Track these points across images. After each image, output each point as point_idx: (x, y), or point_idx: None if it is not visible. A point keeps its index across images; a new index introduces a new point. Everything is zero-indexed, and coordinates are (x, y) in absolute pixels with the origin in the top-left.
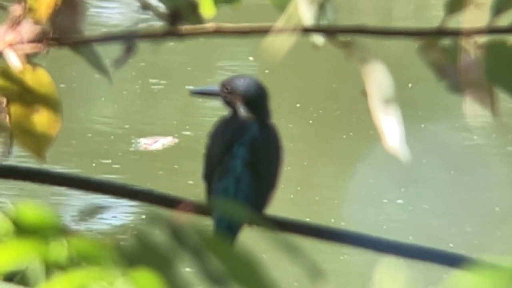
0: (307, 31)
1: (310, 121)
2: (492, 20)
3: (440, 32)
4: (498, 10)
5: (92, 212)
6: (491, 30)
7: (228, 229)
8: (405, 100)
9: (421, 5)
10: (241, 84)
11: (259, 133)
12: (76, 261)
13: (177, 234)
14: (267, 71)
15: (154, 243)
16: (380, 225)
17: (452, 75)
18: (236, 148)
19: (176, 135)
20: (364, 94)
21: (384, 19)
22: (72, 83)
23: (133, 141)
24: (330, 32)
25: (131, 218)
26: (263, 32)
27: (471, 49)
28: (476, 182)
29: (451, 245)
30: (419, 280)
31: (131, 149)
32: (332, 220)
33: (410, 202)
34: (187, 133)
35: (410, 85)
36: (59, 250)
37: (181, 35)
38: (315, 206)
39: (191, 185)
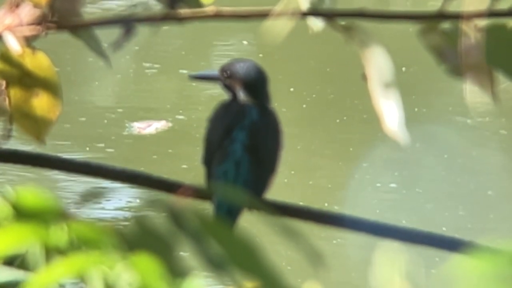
0: (306, 15)
1: (304, 105)
2: (492, 3)
3: (440, 16)
4: None
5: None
6: (491, 14)
7: (228, 213)
8: (398, 84)
9: None
10: (240, 69)
11: (258, 117)
12: (76, 246)
13: (176, 218)
14: (261, 55)
15: (154, 228)
16: (373, 209)
17: (452, 58)
18: (236, 132)
19: (170, 119)
20: (363, 77)
21: (380, 3)
22: (66, 66)
23: (126, 125)
24: (329, 16)
25: (130, 203)
26: (263, 16)
27: (471, 32)
28: (469, 166)
29: (444, 228)
30: (419, 265)
31: (125, 133)
32: (326, 204)
33: (404, 186)
34: (181, 117)
35: (404, 69)
36: (59, 234)
37: (180, 19)
38: (309, 190)
39: (185, 169)
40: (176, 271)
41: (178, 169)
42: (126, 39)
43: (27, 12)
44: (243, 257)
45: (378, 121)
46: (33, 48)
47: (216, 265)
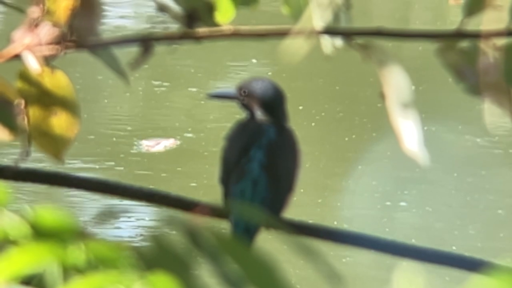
0: (324, 33)
1: (313, 124)
2: (511, 22)
3: (459, 34)
4: None
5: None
6: (510, 33)
7: (245, 232)
8: None
9: (437, 8)
10: (258, 87)
11: (276, 136)
12: (93, 265)
13: (194, 237)
14: (270, 73)
15: (172, 246)
16: (383, 228)
17: (470, 77)
18: (253, 151)
19: (178, 137)
20: (381, 96)
21: (400, 22)
22: (76, 84)
23: (135, 143)
24: (347, 34)
25: (147, 221)
26: (281, 35)
27: (490, 51)
28: (479, 185)
29: (454, 247)
30: (437, 285)
31: (133, 151)
32: (335, 223)
33: (413, 205)
34: (189, 135)
35: (413, 87)
36: (77, 253)
37: (198, 38)
38: (318, 208)
39: (194, 187)
40: None
41: (187, 187)
42: (144, 58)
43: (46, 32)
44: (260, 276)
45: (387, 139)
46: (52, 67)
47: (233, 284)
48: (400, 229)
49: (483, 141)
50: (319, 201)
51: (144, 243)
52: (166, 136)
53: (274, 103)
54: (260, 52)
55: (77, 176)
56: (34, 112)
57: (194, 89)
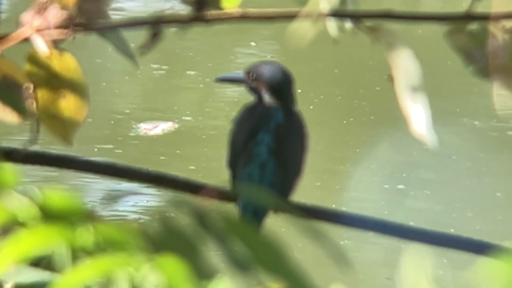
0: (333, 16)
1: (311, 107)
2: None
3: (468, 17)
4: None
5: (116, 197)
6: None
7: (254, 215)
8: None
9: None
10: (266, 71)
11: (283, 120)
12: (102, 247)
13: (202, 219)
14: (268, 56)
15: (180, 229)
16: (381, 211)
17: (479, 60)
18: (261, 134)
19: (177, 120)
20: (390, 79)
21: (409, 4)
22: None
23: (133, 126)
24: (356, 17)
25: (156, 204)
26: (289, 17)
27: (499, 33)
28: (478, 168)
29: (452, 230)
30: (447, 268)
31: (131, 134)
32: (333, 206)
33: (412, 188)
34: (188, 118)
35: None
36: (85, 235)
37: (207, 21)
38: (317, 191)
39: (193, 170)
40: (202, 273)
41: (186, 170)
42: (154, 41)
43: (54, 15)
44: (269, 258)
45: (386, 122)
46: (61, 50)
47: (241, 267)
48: (398, 212)
49: (481, 124)
50: (318, 184)
51: (151, 224)
52: (165, 119)
53: (282, 86)
54: (260, 36)
55: (86, 160)
56: (43, 95)
57: (192, 73)
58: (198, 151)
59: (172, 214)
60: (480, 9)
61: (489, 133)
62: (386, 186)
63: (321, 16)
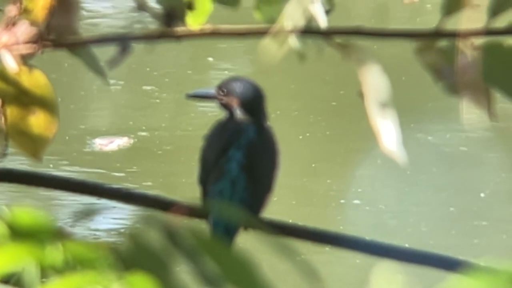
0: (303, 32)
1: (268, 122)
2: (488, 21)
3: (437, 34)
4: (494, 11)
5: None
6: (488, 32)
7: (225, 231)
8: (363, 103)
9: (416, 9)
10: (237, 87)
11: (255, 136)
12: (71, 265)
13: (172, 236)
14: (226, 72)
15: (150, 246)
16: (337, 225)
17: (449, 76)
18: (232, 151)
19: (132, 135)
20: (360, 95)
21: (379, 22)
22: None
23: (88, 142)
24: (326, 34)
25: (125, 221)
26: (260, 34)
27: (468, 50)
28: (432, 182)
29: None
30: (416, 285)
31: (86, 149)
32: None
33: (367, 202)
34: (143, 133)
35: None
36: (55, 253)
37: (177, 37)
38: (273, 206)
39: (149, 186)
40: None
41: (142, 186)
42: (122, 56)
43: (23, 30)
44: (239, 275)
45: (342, 138)
46: (30, 66)
47: (212, 283)
48: (354, 227)
49: (435, 138)
50: (275, 199)
51: (121, 242)
52: (120, 134)
53: (253, 102)
54: (217, 51)
55: (55, 176)
56: (12, 111)
57: (148, 88)
58: (155, 167)
59: (143, 231)
60: (449, 26)
61: (443, 149)
62: (342, 201)
63: (292, 33)
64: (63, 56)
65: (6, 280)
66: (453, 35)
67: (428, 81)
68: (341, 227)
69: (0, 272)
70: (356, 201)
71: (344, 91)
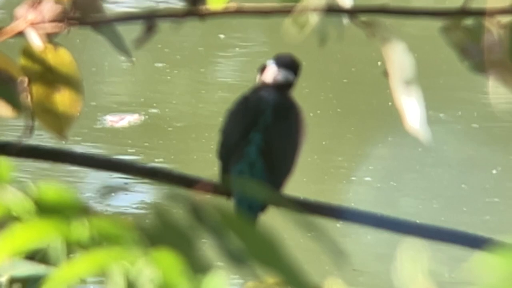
0: (328, 11)
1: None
2: None
3: (463, 12)
4: None
5: (111, 191)
6: None
7: (250, 209)
8: (373, 78)
9: None
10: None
11: (276, 118)
12: (97, 241)
13: (197, 212)
14: (237, 48)
15: (175, 223)
16: (348, 202)
17: (475, 55)
18: (252, 134)
19: (143, 112)
20: (385, 74)
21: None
22: None
23: (99, 118)
24: (351, 12)
25: (149, 198)
26: (285, 12)
27: (495, 29)
28: (443, 160)
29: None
30: (442, 262)
31: (97, 126)
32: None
33: (378, 180)
34: (154, 110)
35: (379, 63)
36: (80, 229)
37: (202, 15)
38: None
39: (161, 162)
40: (197, 267)
41: (153, 163)
42: (148, 36)
43: (49, 8)
44: (264, 252)
45: (353, 115)
46: (55, 44)
47: (237, 260)
48: (365, 204)
49: (446, 116)
50: None
51: (146, 218)
52: (131, 111)
53: (289, 59)
54: (229, 28)
55: (80, 153)
56: (38, 89)
57: (160, 65)
58: (166, 143)
59: (168, 208)
60: (475, 4)
61: (454, 126)
62: (353, 178)
63: (316, 11)
64: (74, 33)
65: (32, 256)
66: (479, 13)
67: (439, 58)
68: (352, 204)
69: (26, 248)
70: (367, 178)
71: (356, 68)
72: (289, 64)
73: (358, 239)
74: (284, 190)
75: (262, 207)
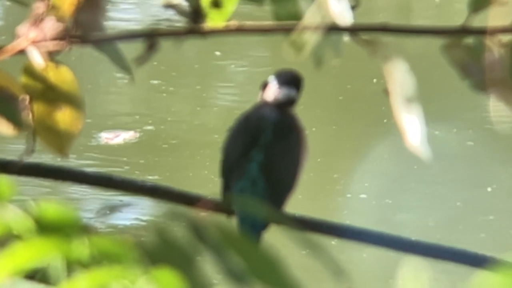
0: (329, 29)
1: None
2: None
3: (464, 31)
4: None
5: (111, 209)
6: None
7: (252, 227)
8: (368, 96)
9: (442, 4)
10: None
11: (277, 135)
12: (97, 260)
13: (198, 231)
14: (233, 66)
15: (175, 241)
16: (344, 220)
17: (476, 74)
18: (254, 151)
19: (138, 129)
20: (385, 92)
21: (403, 17)
22: None
23: (94, 135)
24: (352, 30)
25: (149, 216)
26: (286, 30)
27: (496, 47)
28: (439, 177)
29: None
30: (442, 281)
31: (92, 143)
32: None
33: (373, 197)
34: (150, 127)
35: (374, 80)
36: (81, 248)
37: (203, 33)
38: None
39: (157, 179)
40: (198, 285)
41: (149, 180)
42: (150, 53)
43: (50, 26)
44: (266, 271)
45: (348, 132)
46: (57, 62)
47: (238, 279)
48: (360, 221)
49: (441, 133)
50: None
51: (146, 236)
52: (126, 128)
53: (289, 75)
54: (225, 45)
55: (81, 171)
56: (39, 107)
57: (156, 82)
58: (161, 160)
59: (168, 226)
60: (476, 23)
61: (449, 143)
62: (349, 195)
63: (317, 29)
64: (70, 50)
65: (32, 275)
66: (480, 32)
67: (435, 76)
68: (347, 221)
69: (26, 267)
70: (363, 195)
71: (351, 85)
72: (291, 81)
73: (353, 256)
74: (286, 208)
75: (265, 226)
